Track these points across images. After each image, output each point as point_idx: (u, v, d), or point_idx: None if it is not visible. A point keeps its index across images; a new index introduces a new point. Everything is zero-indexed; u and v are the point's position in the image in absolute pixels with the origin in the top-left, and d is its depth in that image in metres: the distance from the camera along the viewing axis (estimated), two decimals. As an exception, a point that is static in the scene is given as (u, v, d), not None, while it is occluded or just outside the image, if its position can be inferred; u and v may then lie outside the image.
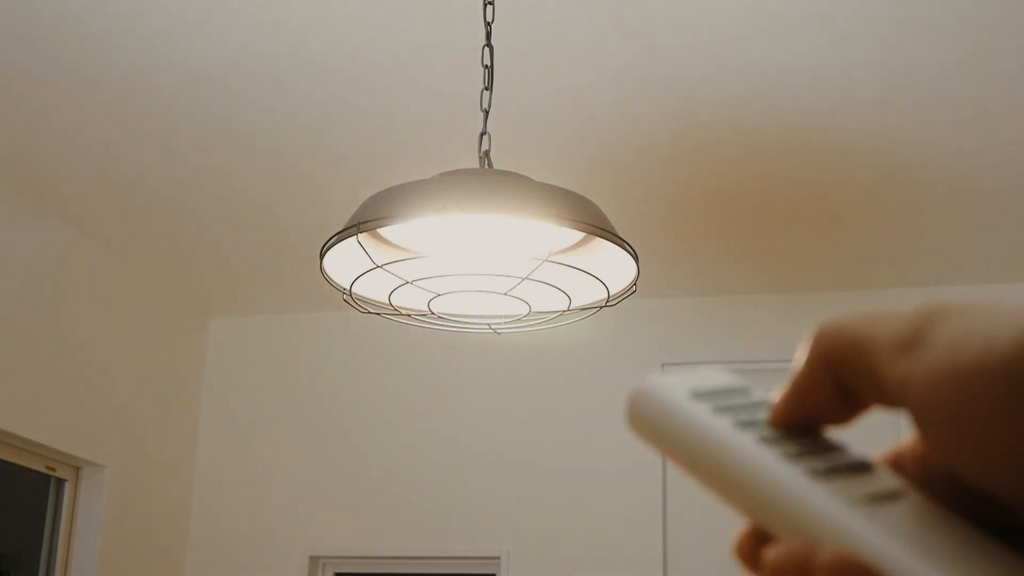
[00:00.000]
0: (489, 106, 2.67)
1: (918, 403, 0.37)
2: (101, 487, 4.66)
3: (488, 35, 2.74)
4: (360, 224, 2.28)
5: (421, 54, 3.30)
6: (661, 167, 3.92)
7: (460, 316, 2.62)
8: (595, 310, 2.59)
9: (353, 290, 2.52)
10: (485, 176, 2.34)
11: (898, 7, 3.04)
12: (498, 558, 4.96)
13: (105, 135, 3.79)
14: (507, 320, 2.63)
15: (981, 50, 3.20)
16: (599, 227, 2.29)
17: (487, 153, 2.57)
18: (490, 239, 2.44)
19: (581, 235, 2.43)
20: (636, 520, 4.84)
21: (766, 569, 0.38)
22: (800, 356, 0.41)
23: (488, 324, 2.64)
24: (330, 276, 2.49)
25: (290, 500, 5.14)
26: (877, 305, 4.83)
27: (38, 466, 4.48)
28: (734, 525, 4.56)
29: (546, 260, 2.39)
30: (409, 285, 2.50)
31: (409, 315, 2.61)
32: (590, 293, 2.55)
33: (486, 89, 2.68)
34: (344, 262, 2.46)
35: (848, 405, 0.40)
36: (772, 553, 0.38)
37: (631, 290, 2.53)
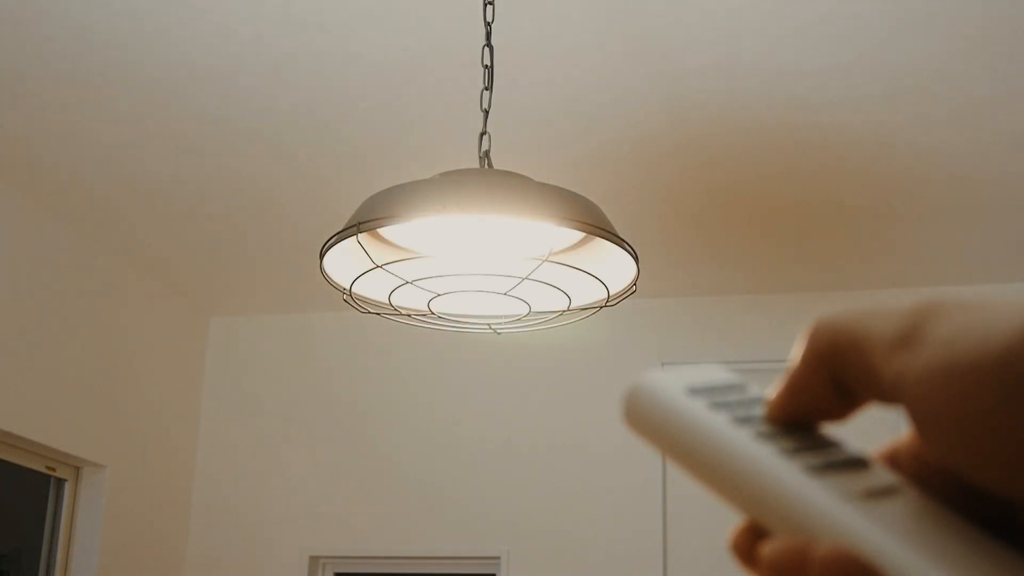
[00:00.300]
0: (489, 106, 2.67)
1: (914, 399, 0.37)
2: (101, 487, 4.65)
3: (488, 35, 2.74)
4: (360, 224, 2.28)
5: (421, 54, 3.30)
6: (661, 167, 3.92)
7: (460, 316, 2.62)
8: (595, 310, 2.59)
9: (353, 290, 2.52)
10: (485, 176, 2.34)
11: (895, 4, 3.04)
12: (498, 558, 4.95)
13: (105, 135, 3.79)
14: (507, 320, 2.63)
15: (978, 47, 3.20)
16: (599, 227, 2.29)
17: (487, 153, 2.56)
18: (490, 239, 2.44)
19: (581, 235, 2.43)
20: (636, 520, 4.84)
21: (762, 565, 0.38)
22: (797, 352, 0.41)
23: (488, 324, 2.64)
24: (330, 276, 2.49)
25: (290, 500, 5.14)
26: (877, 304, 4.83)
27: (38, 466, 4.48)
28: (734, 525, 4.56)
29: (546, 260, 2.39)
30: (409, 285, 2.50)
31: (409, 315, 2.61)
32: (590, 293, 2.55)
33: (486, 89, 2.68)
34: (344, 262, 2.45)
35: (845, 401, 0.40)
36: (768, 549, 0.38)
37: (631, 290, 2.52)
